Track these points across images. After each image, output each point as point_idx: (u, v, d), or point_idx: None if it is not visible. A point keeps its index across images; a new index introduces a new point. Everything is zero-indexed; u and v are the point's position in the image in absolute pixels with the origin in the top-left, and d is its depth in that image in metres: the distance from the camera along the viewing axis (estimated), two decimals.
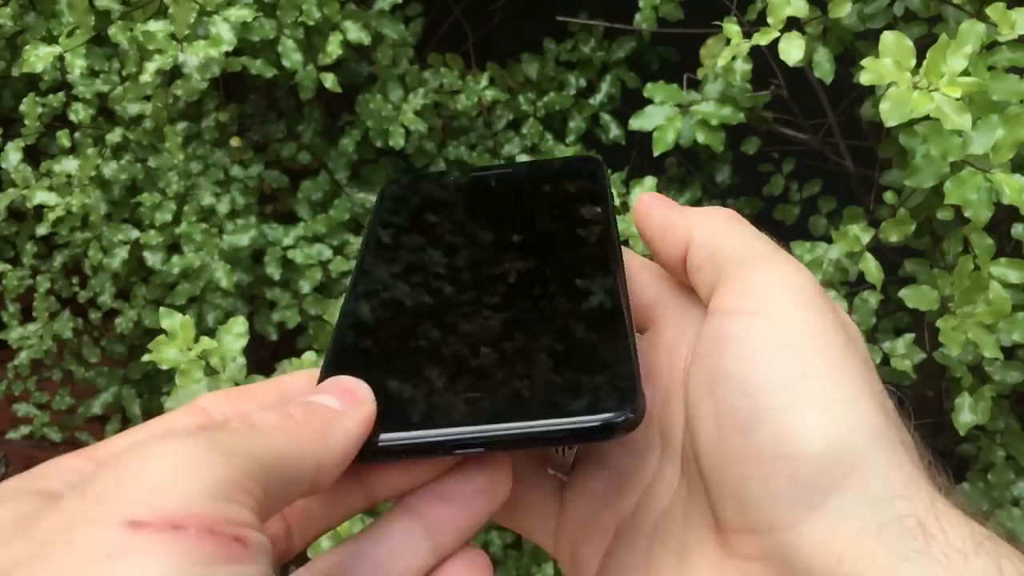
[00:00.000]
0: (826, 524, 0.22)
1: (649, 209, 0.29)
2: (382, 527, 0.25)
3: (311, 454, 0.22)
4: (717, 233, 0.27)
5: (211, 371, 0.70)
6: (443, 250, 0.31)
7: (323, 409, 0.23)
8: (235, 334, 0.71)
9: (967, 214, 0.68)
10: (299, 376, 0.27)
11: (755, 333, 0.24)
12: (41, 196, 1.05)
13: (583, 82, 1.15)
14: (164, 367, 0.68)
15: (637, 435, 0.27)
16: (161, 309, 0.70)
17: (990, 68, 0.68)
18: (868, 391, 0.23)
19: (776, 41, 0.76)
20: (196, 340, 0.69)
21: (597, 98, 1.15)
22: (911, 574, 0.21)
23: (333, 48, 0.96)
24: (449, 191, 0.35)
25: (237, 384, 0.71)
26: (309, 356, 0.77)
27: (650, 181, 0.84)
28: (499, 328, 0.27)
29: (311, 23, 0.94)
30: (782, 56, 0.76)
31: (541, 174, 0.35)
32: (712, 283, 0.26)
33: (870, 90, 0.82)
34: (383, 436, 0.24)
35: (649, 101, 0.87)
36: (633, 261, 0.31)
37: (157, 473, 0.18)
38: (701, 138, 0.86)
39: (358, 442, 0.23)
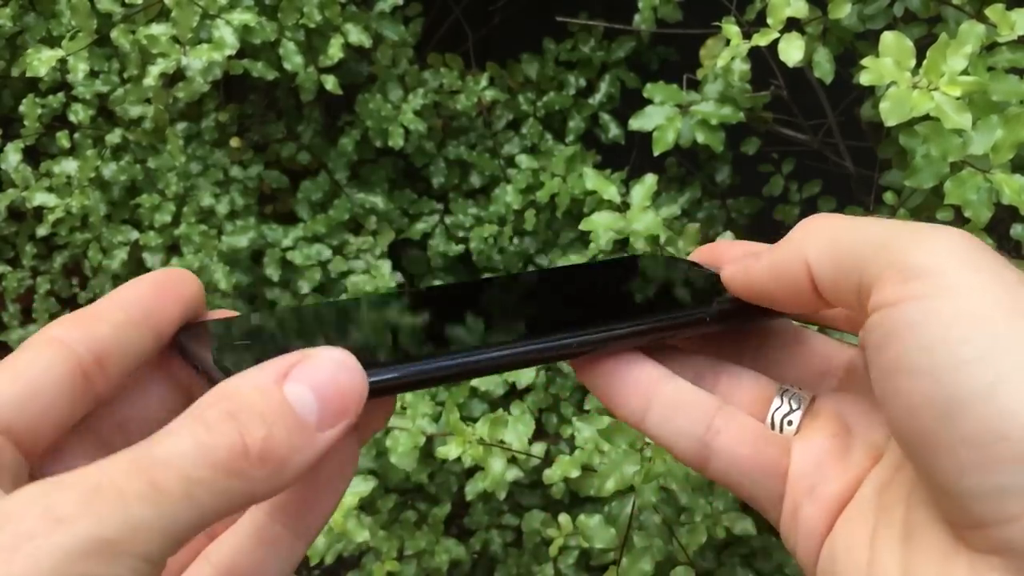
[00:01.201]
0: None
1: (741, 275, 0.28)
2: (253, 542, 0.23)
3: (260, 493, 0.20)
4: (832, 242, 0.24)
5: None
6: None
7: (294, 429, 0.20)
8: None
9: (967, 214, 0.68)
10: (142, 283, 0.24)
11: (931, 314, 0.21)
12: (41, 197, 1.05)
13: (583, 82, 1.15)
14: None
15: (866, 387, 0.26)
16: None
17: (990, 69, 0.68)
18: None
19: (776, 42, 0.76)
20: None
21: (596, 98, 1.15)
22: None
23: (334, 51, 0.96)
24: None
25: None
26: None
27: (651, 179, 0.84)
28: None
29: (312, 25, 0.94)
30: (782, 57, 0.76)
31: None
32: (861, 287, 0.23)
33: (870, 90, 0.82)
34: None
35: (649, 101, 0.87)
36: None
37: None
38: (701, 138, 0.86)
39: (317, 461, 0.21)
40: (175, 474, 0.18)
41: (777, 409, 0.28)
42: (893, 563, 0.23)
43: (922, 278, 0.21)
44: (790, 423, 0.27)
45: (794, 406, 0.28)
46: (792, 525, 0.26)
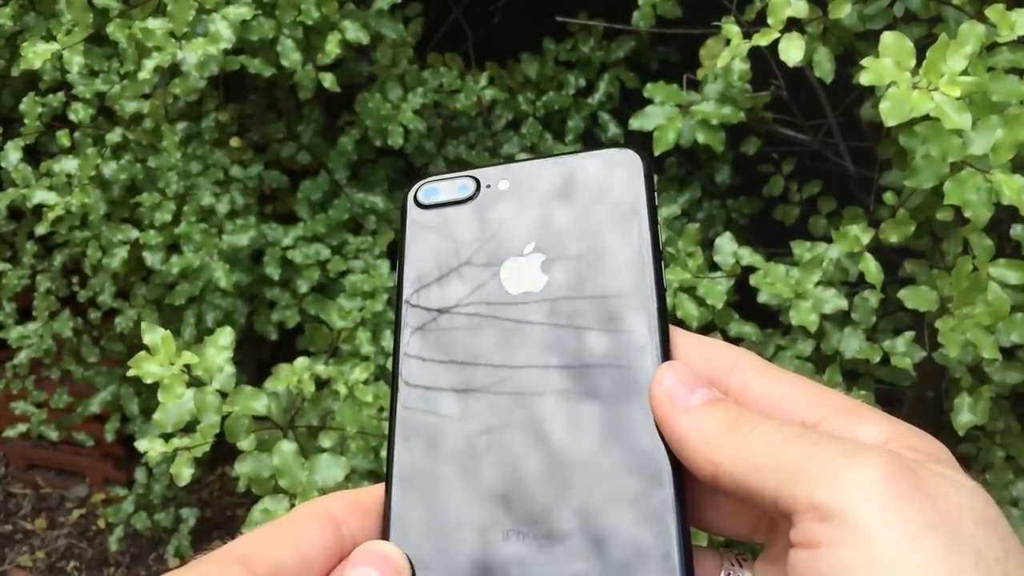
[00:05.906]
0: None
1: (667, 422, 0.26)
2: None
3: None
4: (741, 459, 0.24)
5: (198, 383, 0.68)
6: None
7: None
8: (219, 347, 0.69)
9: (967, 215, 0.68)
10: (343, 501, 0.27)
11: (842, 566, 0.22)
12: (41, 195, 1.05)
13: (582, 82, 1.15)
14: (147, 381, 0.66)
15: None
16: (143, 324, 0.67)
17: (990, 69, 0.68)
18: None
19: (776, 42, 0.76)
20: (179, 354, 0.67)
21: (596, 97, 1.15)
22: None
23: (331, 48, 0.96)
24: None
25: (224, 395, 0.69)
26: (301, 362, 0.76)
27: None
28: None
29: (310, 23, 0.94)
30: (782, 57, 0.76)
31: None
32: (778, 511, 0.24)
33: (870, 90, 0.82)
34: None
35: (649, 101, 0.87)
36: None
37: None
38: (701, 138, 0.86)
39: None
40: None
41: None
42: None
43: (834, 522, 0.22)
44: None
45: None
46: None
